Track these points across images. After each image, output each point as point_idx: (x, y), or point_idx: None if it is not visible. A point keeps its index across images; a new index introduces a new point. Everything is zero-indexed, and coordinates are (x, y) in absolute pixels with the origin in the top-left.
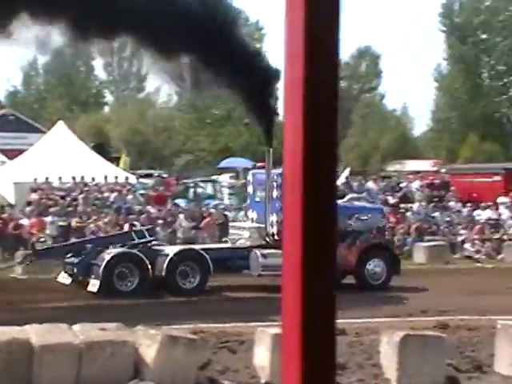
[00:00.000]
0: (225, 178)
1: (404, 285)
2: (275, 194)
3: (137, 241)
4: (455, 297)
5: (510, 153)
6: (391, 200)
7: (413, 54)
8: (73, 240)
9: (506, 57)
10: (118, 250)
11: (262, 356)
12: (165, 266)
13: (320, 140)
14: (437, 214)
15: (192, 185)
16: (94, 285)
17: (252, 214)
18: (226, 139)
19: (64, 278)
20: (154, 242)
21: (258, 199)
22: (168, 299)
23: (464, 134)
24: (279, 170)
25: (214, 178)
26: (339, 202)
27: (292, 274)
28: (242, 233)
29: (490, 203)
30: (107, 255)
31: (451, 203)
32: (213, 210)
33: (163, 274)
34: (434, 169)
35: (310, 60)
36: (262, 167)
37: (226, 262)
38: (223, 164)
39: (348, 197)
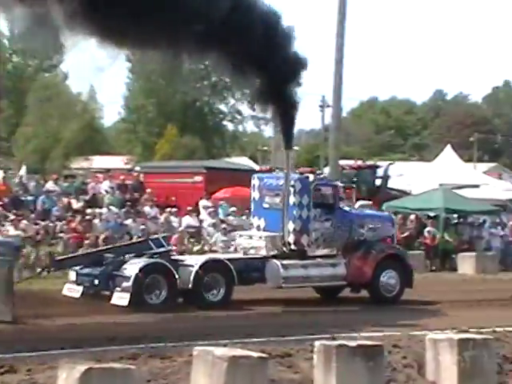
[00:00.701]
0: None
1: None
2: (293, 200)
3: (155, 249)
4: None
5: (214, 148)
6: (76, 204)
7: None
8: (89, 250)
9: None
10: (145, 260)
11: None
12: (191, 277)
13: None
14: (129, 221)
15: None
16: (122, 298)
17: (258, 222)
18: None
19: (72, 291)
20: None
21: (266, 206)
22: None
23: (162, 126)
24: (296, 175)
25: None
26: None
27: None
28: (251, 242)
29: (190, 207)
30: (133, 266)
31: (146, 208)
32: None
33: (190, 286)
34: (127, 167)
35: None
36: (267, 171)
37: (242, 274)
38: None
39: (358, 203)
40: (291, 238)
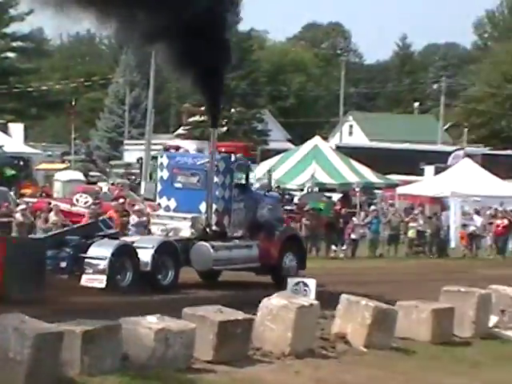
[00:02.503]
0: None
1: None
2: (216, 180)
3: (106, 231)
4: None
5: None
6: None
7: None
8: (51, 232)
9: None
10: (113, 242)
11: None
12: (150, 259)
13: None
14: None
15: None
16: (97, 280)
17: (167, 202)
18: None
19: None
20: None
21: (178, 185)
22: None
23: None
24: (219, 155)
25: None
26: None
27: None
28: (172, 222)
29: None
30: (103, 248)
31: None
32: None
33: (148, 268)
34: None
35: None
36: (176, 149)
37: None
38: None
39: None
40: (213, 219)
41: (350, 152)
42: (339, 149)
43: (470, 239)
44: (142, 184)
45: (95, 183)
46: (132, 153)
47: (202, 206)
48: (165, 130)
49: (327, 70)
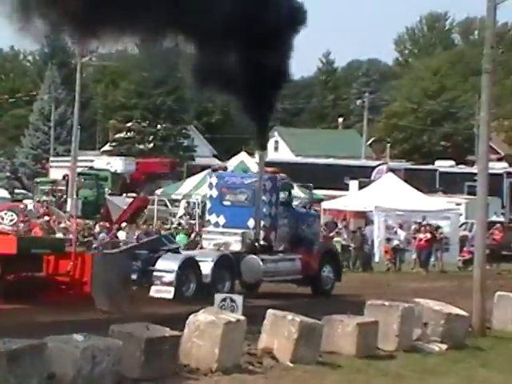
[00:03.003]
0: None
1: None
2: (263, 198)
3: (169, 246)
4: None
5: None
6: None
7: None
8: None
9: None
10: (179, 256)
11: None
12: (210, 272)
13: None
14: None
15: None
16: (166, 291)
17: (217, 219)
18: None
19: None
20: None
21: (227, 203)
22: None
23: None
24: (266, 175)
25: None
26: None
27: None
28: (223, 238)
29: None
30: (170, 261)
31: None
32: None
33: (208, 280)
34: None
35: None
36: (224, 169)
37: None
38: None
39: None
40: (261, 234)
41: (275, 167)
42: (265, 164)
43: (394, 253)
44: (69, 201)
45: (20, 201)
46: (58, 170)
47: (250, 222)
48: (91, 146)
49: None
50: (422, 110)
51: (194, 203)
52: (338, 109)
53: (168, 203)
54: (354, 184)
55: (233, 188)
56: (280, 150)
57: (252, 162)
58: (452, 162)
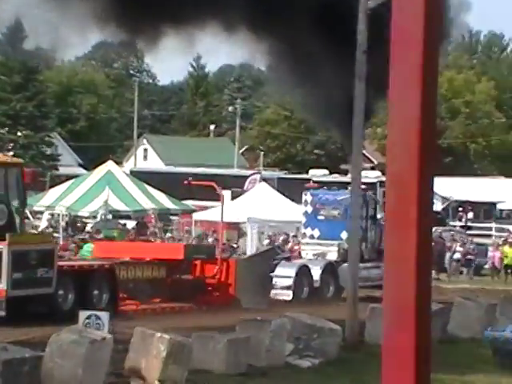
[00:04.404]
0: None
1: None
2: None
3: (282, 255)
4: None
5: None
6: None
7: None
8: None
9: None
10: (294, 264)
11: None
12: (318, 277)
13: None
14: None
15: None
16: (286, 294)
17: (312, 232)
18: None
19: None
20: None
21: (321, 218)
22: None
23: None
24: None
25: None
26: None
27: None
28: (320, 248)
29: None
30: (288, 268)
31: None
32: None
33: (317, 285)
34: None
35: None
36: (317, 188)
37: None
38: None
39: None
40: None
41: (144, 177)
42: (133, 174)
43: None
44: None
45: None
46: None
47: (343, 234)
48: None
49: (119, 91)
50: (295, 117)
51: (59, 215)
52: (209, 116)
53: (29, 215)
54: (226, 194)
55: (326, 204)
56: (150, 158)
57: (120, 172)
58: (326, 171)
